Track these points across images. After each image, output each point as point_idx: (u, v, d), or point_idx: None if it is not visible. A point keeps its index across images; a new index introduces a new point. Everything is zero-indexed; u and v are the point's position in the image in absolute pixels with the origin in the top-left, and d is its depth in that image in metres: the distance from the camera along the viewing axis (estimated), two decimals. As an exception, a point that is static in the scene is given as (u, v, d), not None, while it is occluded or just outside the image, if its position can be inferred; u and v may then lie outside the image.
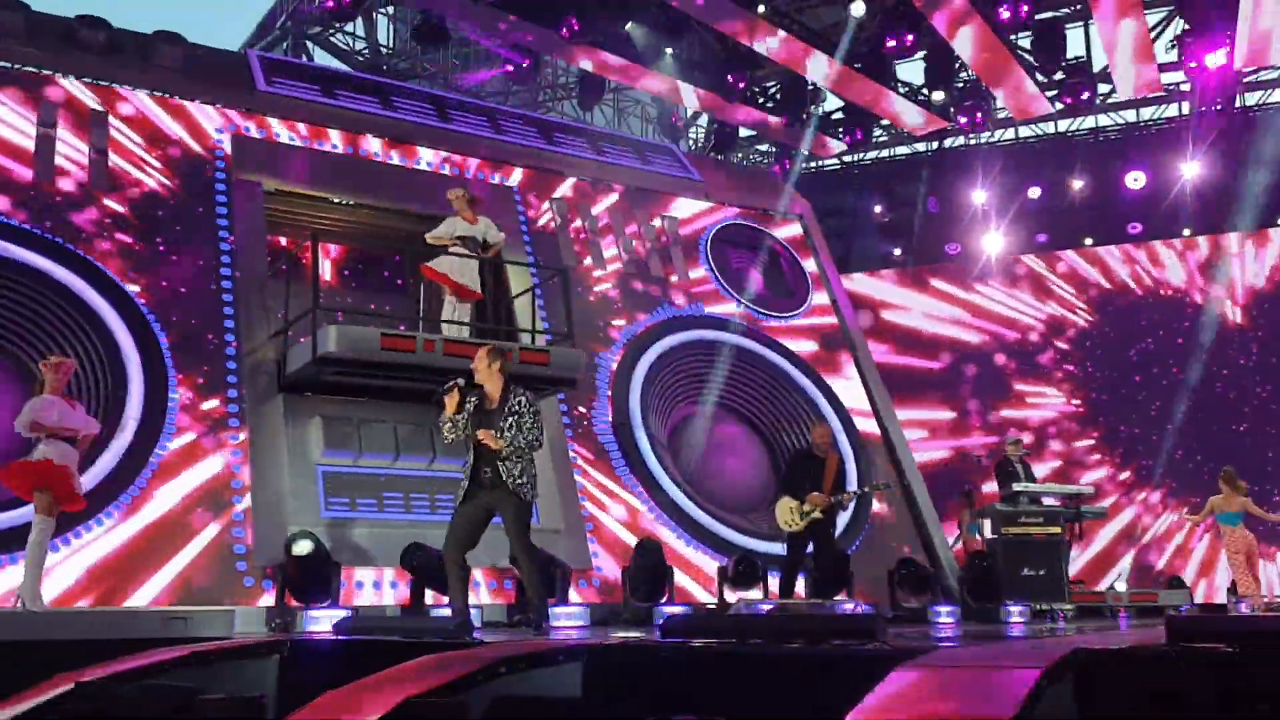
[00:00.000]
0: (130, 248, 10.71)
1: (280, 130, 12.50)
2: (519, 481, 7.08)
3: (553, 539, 10.63)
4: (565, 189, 14.30)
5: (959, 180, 19.40)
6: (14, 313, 9.97)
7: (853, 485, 10.11)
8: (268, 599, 9.33)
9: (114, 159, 11.18)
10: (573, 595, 10.45)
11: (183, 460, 9.82)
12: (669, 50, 14.53)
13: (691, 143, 22.09)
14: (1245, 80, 17.90)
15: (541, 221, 13.73)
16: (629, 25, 14.21)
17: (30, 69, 11.24)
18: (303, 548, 9.10)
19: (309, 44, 19.11)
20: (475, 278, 10.57)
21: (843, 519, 13.08)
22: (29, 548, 7.34)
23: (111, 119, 11.39)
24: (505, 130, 14.53)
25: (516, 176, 13.96)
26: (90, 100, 11.41)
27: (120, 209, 10.91)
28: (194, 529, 9.52)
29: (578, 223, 14.06)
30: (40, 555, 7.37)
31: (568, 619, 8.70)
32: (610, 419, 12.39)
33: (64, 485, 7.35)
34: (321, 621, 7.92)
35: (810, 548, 9.88)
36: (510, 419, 7.11)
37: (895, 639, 5.06)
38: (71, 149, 11.01)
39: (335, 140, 12.84)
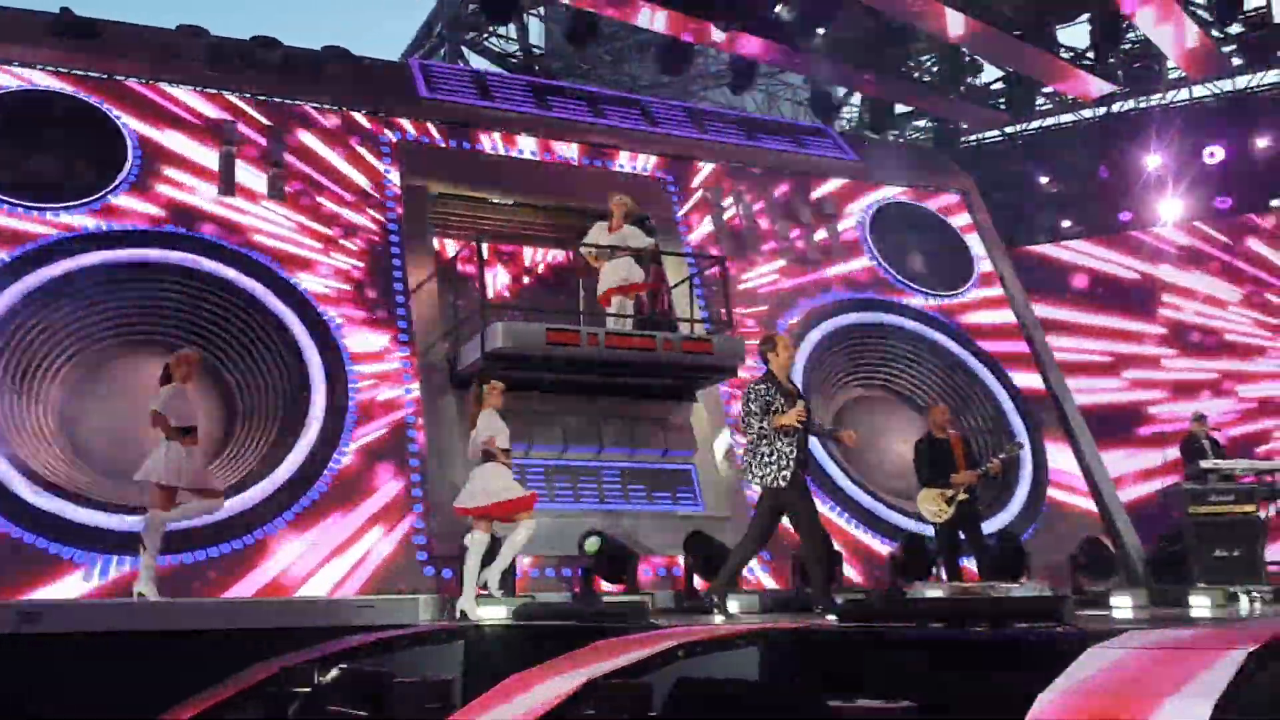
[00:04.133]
0: (307, 255, 11.21)
1: (442, 135, 12.89)
2: (754, 472, 7.27)
3: (720, 526, 10.64)
4: (719, 176, 14.29)
5: (1131, 145, 18.47)
6: (207, 321, 10.56)
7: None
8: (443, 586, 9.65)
9: (290, 170, 11.74)
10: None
11: (364, 456, 10.27)
12: (820, 30, 14.31)
13: (846, 123, 21.71)
14: None
15: (695, 210, 13.76)
16: (778, 8, 14.07)
17: (211, 90, 11.91)
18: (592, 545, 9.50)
19: (465, 49, 19.62)
20: (636, 270, 10.73)
21: (1018, 501, 12.71)
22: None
23: (286, 134, 11.96)
24: (657, 121, 14.60)
25: (669, 166, 14.03)
26: (266, 117, 12.00)
27: (298, 219, 11.45)
28: (377, 520, 9.95)
29: (732, 210, 14.02)
30: (474, 565, 8.00)
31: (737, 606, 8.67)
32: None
33: (501, 509, 8.15)
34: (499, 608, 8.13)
35: (961, 534, 9.72)
36: None
37: (1082, 621, 4.89)
38: (251, 164, 11.61)
39: (495, 141, 13.16)
